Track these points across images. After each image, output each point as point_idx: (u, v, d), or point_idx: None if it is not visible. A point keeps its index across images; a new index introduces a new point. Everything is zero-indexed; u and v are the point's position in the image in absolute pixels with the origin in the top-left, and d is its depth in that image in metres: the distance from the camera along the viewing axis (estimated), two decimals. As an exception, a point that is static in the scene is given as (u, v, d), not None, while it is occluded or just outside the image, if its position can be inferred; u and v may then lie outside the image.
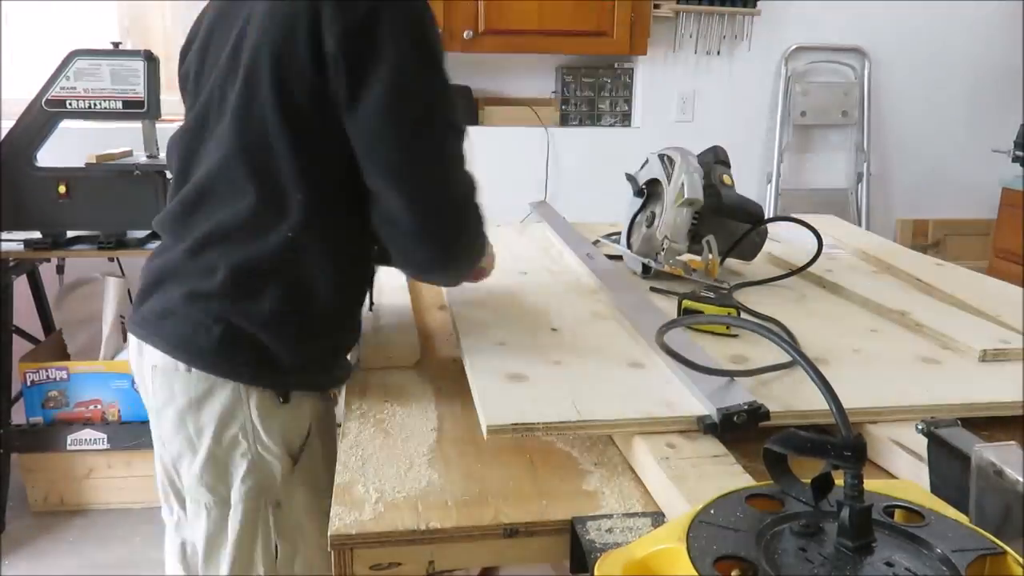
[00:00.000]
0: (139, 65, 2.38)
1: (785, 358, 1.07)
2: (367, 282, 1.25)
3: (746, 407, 0.95)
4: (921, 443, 0.84)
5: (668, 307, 1.44)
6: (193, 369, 1.09)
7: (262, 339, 1.07)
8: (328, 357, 1.17)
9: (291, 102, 1.02)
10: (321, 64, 1.00)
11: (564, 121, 3.27)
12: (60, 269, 2.69)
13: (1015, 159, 3.17)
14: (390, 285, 1.57)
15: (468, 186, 1.10)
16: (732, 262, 1.67)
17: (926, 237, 3.66)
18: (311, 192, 1.05)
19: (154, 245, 2.57)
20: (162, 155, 2.54)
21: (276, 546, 1.15)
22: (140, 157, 2.52)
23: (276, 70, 1.01)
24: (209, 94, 1.10)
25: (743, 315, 1.31)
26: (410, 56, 1.00)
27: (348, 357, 1.24)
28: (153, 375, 1.14)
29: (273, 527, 1.14)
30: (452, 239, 1.10)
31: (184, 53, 1.24)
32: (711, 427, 0.95)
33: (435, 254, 1.10)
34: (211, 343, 1.07)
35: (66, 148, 2.49)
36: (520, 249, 1.83)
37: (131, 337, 1.21)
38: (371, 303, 1.44)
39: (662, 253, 1.55)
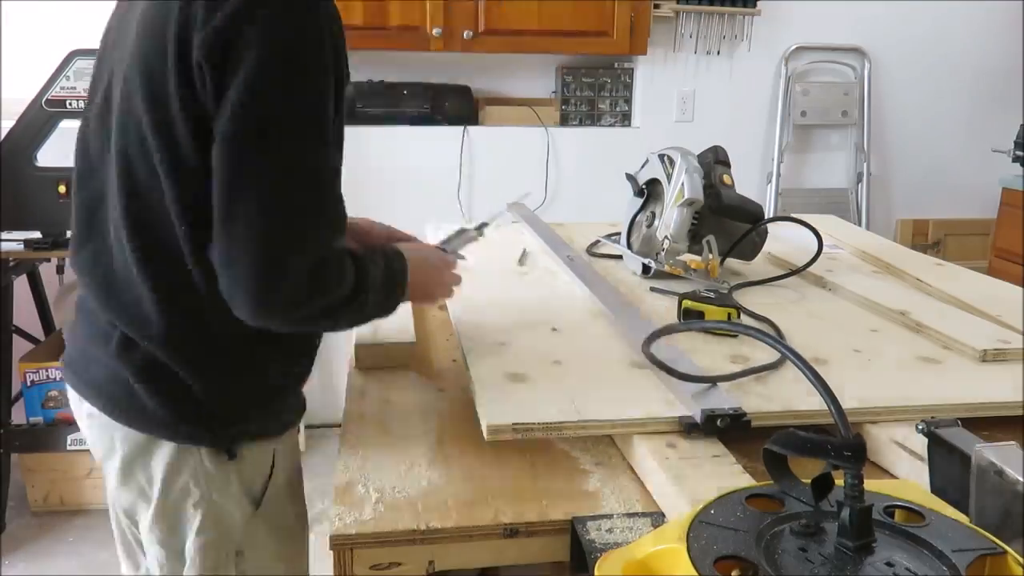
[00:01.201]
0: (139, 65, 2.38)
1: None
2: None
3: (731, 412, 0.95)
4: (921, 443, 0.84)
5: (651, 307, 1.45)
6: (126, 427, 0.98)
7: (192, 388, 0.95)
8: (272, 398, 1.03)
9: (167, 128, 0.89)
10: (188, 75, 0.87)
11: (564, 121, 3.27)
12: (60, 269, 2.69)
13: (1015, 159, 3.17)
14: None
15: (308, 230, 0.89)
16: (732, 262, 1.67)
17: (926, 237, 3.66)
18: (196, 223, 0.91)
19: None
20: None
21: None
22: (140, 157, 2.52)
23: (148, 87, 0.89)
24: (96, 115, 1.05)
25: (739, 317, 1.30)
26: (268, 65, 0.84)
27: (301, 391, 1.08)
28: (91, 424, 1.04)
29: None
30: (261, 287, 0.88)
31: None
32: (692, 427, 0.95)
33: (243, 299, 0.89)
34: (139, 399, 0.96)
35: (66, 148, 2.49)
36: (520, 249, 1.83)
37: (68, 387, 1.08)
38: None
39: (662, 253, 1.55)
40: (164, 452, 0.98)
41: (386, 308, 1.04)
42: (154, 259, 0.94)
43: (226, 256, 0.88)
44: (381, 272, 1.00)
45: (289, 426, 1.06)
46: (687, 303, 1.31)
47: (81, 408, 1.06)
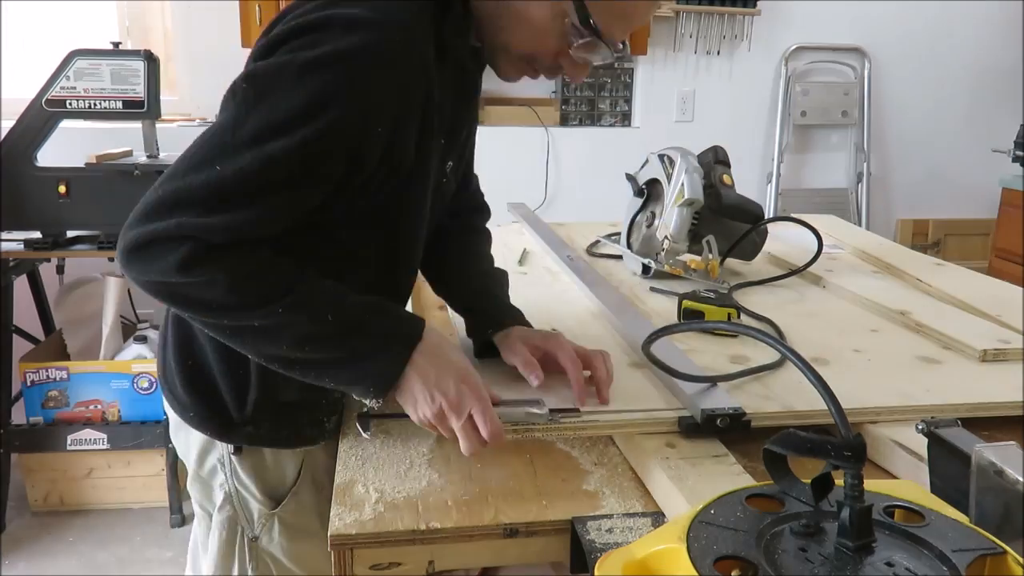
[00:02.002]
0: (139, 65, 2.38)
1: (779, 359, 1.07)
2: None
3: (731, 412, 0.95)
4: (921, 443, 0.84)
5: (651, 307, 1.45)
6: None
7: (213, 381, 1.03)
8: (279, 414, 1.04)
9: None
10: None
11: (564, 121, 3.27)
12: (60, 269, 2.69)
13: (1015, 159, 3.17)
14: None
15: (210, 211, 0.82)
16: (732, 262, 1.67)
17: (926, 237, 3.67)
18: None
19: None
20: (162, 155, 2.54)
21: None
22: (140, 157, 2.52)
23: None
24: None
25: (739, 317, 1.30)
26: (276, 71, 0.83)
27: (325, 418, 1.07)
28: None
29: (249, 560, 1.11)
30: (128, 225, 0.87)
31: None
32: (692, 427, 0.95)
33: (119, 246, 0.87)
34: (171, 383, 1.07)
35: (66, 148, 2.49)
36: (520, 249, 1.83)
37: None
38: None
39: (662, 253, 1.55)
40: (197, 433, 1.08)
41: (351, 365, 0.88)
42: None
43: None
44: (350, 307, 0.88)
45: (308, 442, 1.08)
46: (687, 303, 1.31)
47: None
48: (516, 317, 1.12)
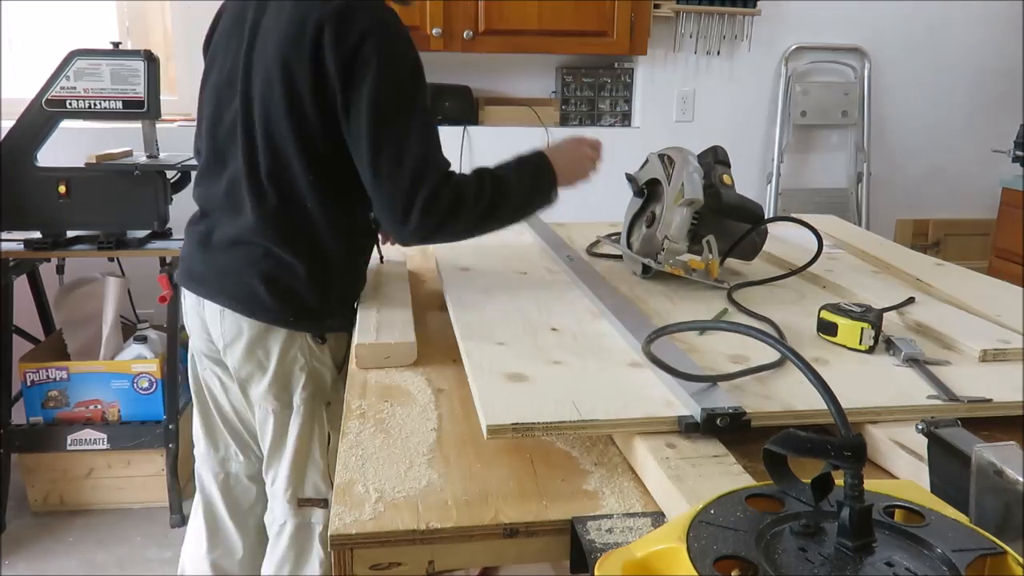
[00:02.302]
0: (139, 65, 2.38)
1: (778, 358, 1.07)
2: (369, 244, 1.57)
3: (731, 411, 0.95)
4: (921, 443, 0.84)
5: (651, 307, 1.45)
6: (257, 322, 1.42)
7: (304, 294, 1.41)
8: (349, 301, 1.49)
9: (300, 107, 1.32)
10: (322, 78, 1.30)
11: (564, 121, 3.27)
12: (60, 269, 2.69)
13: (1015, 159, 3.17)
14: (391, 285, 1.57)
15: (431, 165, 1.33)
16: (732, 262, 1.67)
17: (926, 237, 3.67)
18: (320, 171, 1.37)
19: (154, 244, 2.57)
20: (162, 155, 2.54)
21: (328, 435, 1.49)
22: (140, 157, 2.52)
23: (286, 81, 1.32)
24: (232, 81, 1.41)
25: (875, 333, 1.24)
26: (389, 70, 1.30)
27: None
28: (222, 317, 1.44)
29: (326, 421, 1.49)
30: (405, 204, 1.32)
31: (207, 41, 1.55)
32: (692, 427, 0.95)
33: (390, 215, 1.34)
34: (263, 302, 1.40)
35: (66, 148, 2.49)
36: (521, 249, 1.83)
37: (185, 291, 1.53)
38: (380, 257, 1.70)
39: (662, 253, 1.55)
40: (279, 336, 1.43)
41: (538, 191, 1.45)
42: (285, 199, 1.38)
43: (376, 191, 1.34)
44: (515, 168, 1.43)
45: (351, 327, 1.41)
46: (824, 313, 1.27)
47: (202, 310, 1.49)
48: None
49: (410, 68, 1.33)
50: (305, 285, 1.40)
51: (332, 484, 1.38)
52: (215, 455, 1.64)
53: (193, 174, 1.69)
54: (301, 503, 1.50)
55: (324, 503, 1.50)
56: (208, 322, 1.49)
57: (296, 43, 1.30)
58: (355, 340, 1.29)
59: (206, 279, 1.46)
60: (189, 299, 1.53)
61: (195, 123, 1.55)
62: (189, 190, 2.62)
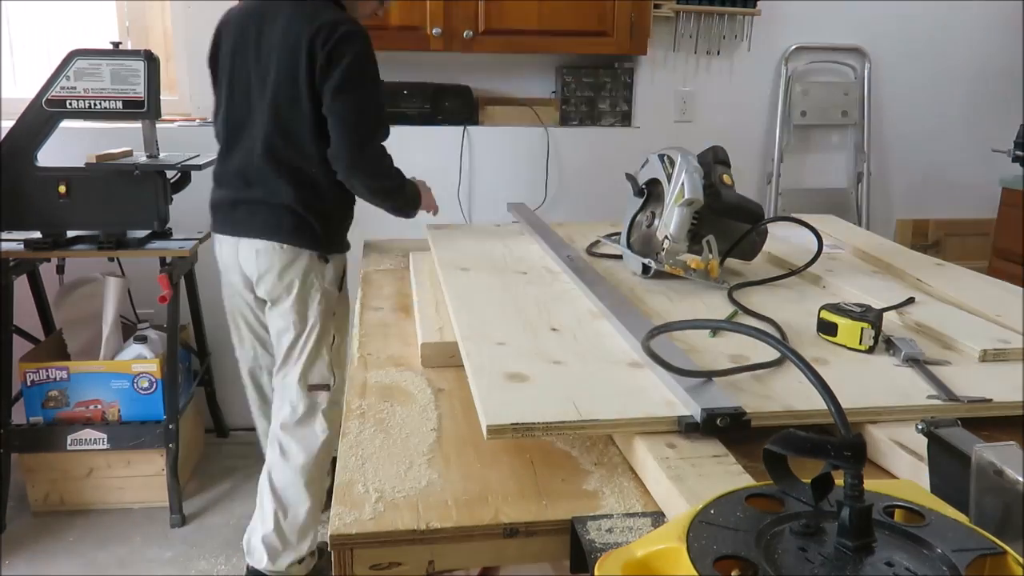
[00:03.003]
0: (139, 65, 2.38)
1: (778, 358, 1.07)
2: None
3: (731, 411, 0.95)
4: (921, 443, 0.84)
5: (651, 307, 1.44)
6: (285, 245, 1.98)
7: (314, 224, 1.99)
8: (343, 233, 2.11)
9: (301, 91, 1.92)
10: (314, 64, 1.91)
11: (564, 121, 3.27)
12: (60, 269, 2.69)
13: (1015, 159, 3.17)
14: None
15: (384, 123, 2.00)
16: (732, 262, 1.67)
17: (926, 237, 3.66)
18: (320, 141, 1.95)
19: (154, 244, 2.57)
20: (162, 155, 2.54)
21: (333, 336, 2.08)
22: (140, 157, 2.52)
23: (290, 71, 1.92)
24: (246, 80, 2.00)
25: (874, 333, 1.24)
26: (358, 59, 1.92)
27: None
28: (258, 256, 1.99)
29: (334, 330, 2.08)
30: (354, 154, 1.95)
31: (216, 43, 2.09)
32: (692, 427, 0.95)
33: (347, 149, 1.94)
34: (291, 229, 1.98)
35: (66, 148, 2.49)
36: (521, 249, 1.83)
37: (222, 238, 2.08)
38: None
39: (662, 253, 1.55)
40: (303, 261, 2.00)
41: (412, 203, 2.12)
42: (295, 160, 1.98)
43: (336, 142, 1.93)
44: (409, 179, 2.10)
45: (347, 249, 2.11)
46: (824, 313, 1.27)
47: (239, 251, 2.04)
48: None
49: (373, 62, 1.95)
50: (315, 219, 1.99)
51: (334, 373, 2.08)
52: (246, 355, 2.25)
53: (212, 156, 2.22)
54: (311, 388, 2.06)
55: (327, 387, 2.07)
56: (243, 260, 2.03)
57: (297, 48, 1.89)
58: (419, 339, 1.29)
59: (241, 223, 2.02)
60: (226, 244, 2.06)
61: (211, 117, 2.16)
62: (189, 190, 2.64)
